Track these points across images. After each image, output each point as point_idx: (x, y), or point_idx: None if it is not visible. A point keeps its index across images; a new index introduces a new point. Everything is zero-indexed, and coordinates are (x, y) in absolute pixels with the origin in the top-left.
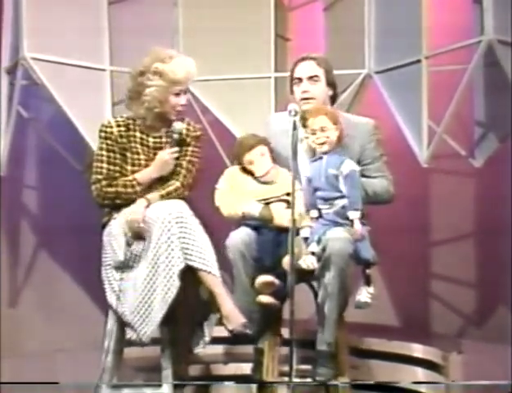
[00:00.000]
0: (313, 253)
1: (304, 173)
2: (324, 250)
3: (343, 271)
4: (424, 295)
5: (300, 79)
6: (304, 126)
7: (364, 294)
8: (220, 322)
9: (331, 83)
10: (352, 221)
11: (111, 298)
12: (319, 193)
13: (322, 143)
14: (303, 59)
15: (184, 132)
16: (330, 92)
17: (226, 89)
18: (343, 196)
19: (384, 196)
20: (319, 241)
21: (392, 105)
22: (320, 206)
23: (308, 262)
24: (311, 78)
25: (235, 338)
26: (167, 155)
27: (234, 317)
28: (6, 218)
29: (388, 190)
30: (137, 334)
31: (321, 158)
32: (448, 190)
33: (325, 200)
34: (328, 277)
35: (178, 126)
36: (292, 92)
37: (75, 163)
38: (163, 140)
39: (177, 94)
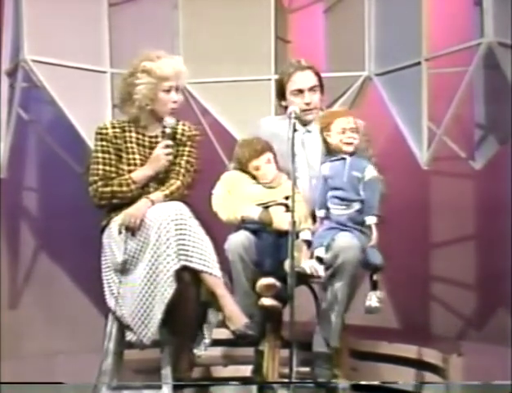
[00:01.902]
0: (320, 258)
1: (305, 174)
2: (336, 257)
3: (354, 278)
4: (424, 297)
5: (301, 91)
6: (326, 125)
7: (374, 299)
8: (223, 324)
9: (322, 89)
10: (368, 226)
11: (110, 301)
12: (337, 193)
13: (350, 143)
14: (299, 68)
15: (179, 131)
16: (320, 97)
17: (227, 91)
18: (360, 200)
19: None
20: (327, 247)
21: (392, 107)
22: (333, 206)
23: (313, 269)
24: (311, 89)
25: (237, 339)
26: (159, 149)
27: (237, 317)
28: (7, 220)
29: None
30: (138, 336)
31: (343, 159)
32: (448, 192)
33: (343, 200)
34: (338, 284)
35: (170, 120)
36: (285, 100)
37: (75, 165)
38: (159, 139)
39: (168, 91)
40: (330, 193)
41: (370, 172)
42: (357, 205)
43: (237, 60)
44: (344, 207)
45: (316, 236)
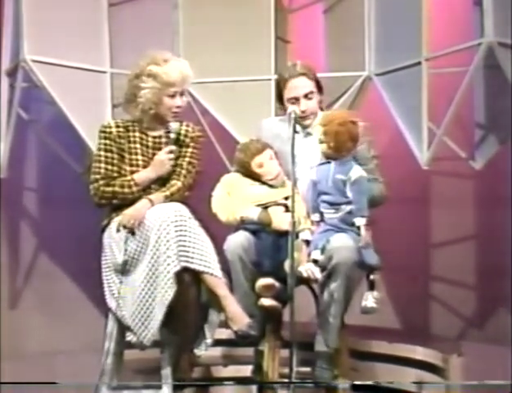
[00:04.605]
0: (316, 261)
1: (305, 175)
2: (330, 259)
3: (349, 279)
4: (424, 297)
5: (297, 98)
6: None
7: (370, 299)
8: (225, 324)
9: (320, 90)
10: (357, 227)
11: (111, 301)
12: (325, 197)
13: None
14: (294, 76)
15: (183, 132)
16: (319, 98)
17: (226, 91)
18: (349, 202)
19: (379, 199)
20: (323, 250)
21: (392, 107)
22: (324, 210)
23: (309, 272)
24: (306, 95)
25: (239, 339)
26: (163, 154)
27: (239, 317)
28: (7, 220)
29: (382, 193)
30: (138, 337)
31: (329, 162)
32: (448, 192)
33: (331, 204)
34: (334, 285)
35: (175, 126)
36: (283, 104)
37: (75, 165)
38: (163, 140)
39: (172, 96)
40: (319, 198)
41: (356, 173)
42: (347, 208)
43: (237, 60)
44: (334, 211)
45: (312, 239)
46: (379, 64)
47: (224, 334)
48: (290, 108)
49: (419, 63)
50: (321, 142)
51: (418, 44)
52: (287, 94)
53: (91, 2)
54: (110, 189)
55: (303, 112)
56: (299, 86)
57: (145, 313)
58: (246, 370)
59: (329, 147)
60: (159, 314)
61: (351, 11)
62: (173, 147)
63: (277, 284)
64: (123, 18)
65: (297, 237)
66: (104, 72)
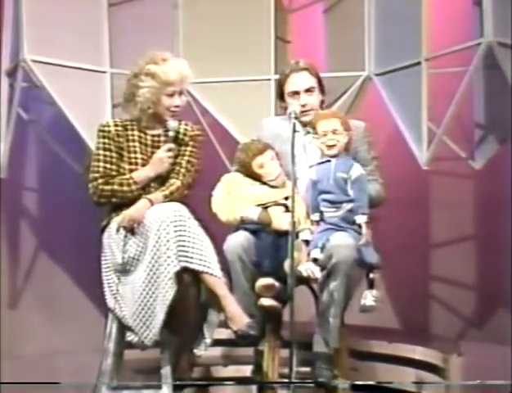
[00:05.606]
0: (315, 260)
1: (305, 175)
2: (329, 257)
3: (349, 277)
4: (424, 297)
5: (297, 93)
6: (314, 128)
7: (369, 298)
8: (225, 324)
9: (322, 90)
10: (358, 225)
11: (111, 301)
12: (326, 196)
13: (332, 146)
14: (295, 70)
15: (182, 131)
16: (321, 98)
17: (226, 91)
18: (350, 200)
19: (377, 200)
20: (322, 248)
21: (392, 107)
22: (324, 209)
23: (309, 271)
24: (307, 90)
25: (239, 339)
26: (162, 152)
27: (238, 317)
28: (7, 220)
29: (380, 194)
30: (139, 337)
31: (329, 161)
32: (448, 192)
33: (332, 203)
34: (334, 284)
35: (173, 124)
36: (284, 101)
37: (75, 165)
38: (162, 139)
39: (171, 95)
40: (320, 196)
41: (356, 171)
42: (348, 206)
43: (237, 60)
44: (335, 209)
45: (312, 238)
46: (379, 64)
47: (224, 334)
48: (291, 108)
49: (419, 63)
50: (316, 134)
51: (418, 44)
52: (287, 88)
53: (91, 2)
54: (109, 187)
55: (302, 106)
56: (301, 80)
57: (147, 313)
58: (246, 370)
59: (316, 133)
60: (160, 314)
61: (351, 10)
62: (172, 145)
63: (277, 284)
64: (123, 18)
65: (297, 237)
66: (104, 72)
